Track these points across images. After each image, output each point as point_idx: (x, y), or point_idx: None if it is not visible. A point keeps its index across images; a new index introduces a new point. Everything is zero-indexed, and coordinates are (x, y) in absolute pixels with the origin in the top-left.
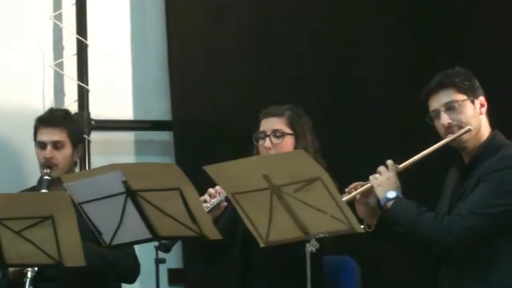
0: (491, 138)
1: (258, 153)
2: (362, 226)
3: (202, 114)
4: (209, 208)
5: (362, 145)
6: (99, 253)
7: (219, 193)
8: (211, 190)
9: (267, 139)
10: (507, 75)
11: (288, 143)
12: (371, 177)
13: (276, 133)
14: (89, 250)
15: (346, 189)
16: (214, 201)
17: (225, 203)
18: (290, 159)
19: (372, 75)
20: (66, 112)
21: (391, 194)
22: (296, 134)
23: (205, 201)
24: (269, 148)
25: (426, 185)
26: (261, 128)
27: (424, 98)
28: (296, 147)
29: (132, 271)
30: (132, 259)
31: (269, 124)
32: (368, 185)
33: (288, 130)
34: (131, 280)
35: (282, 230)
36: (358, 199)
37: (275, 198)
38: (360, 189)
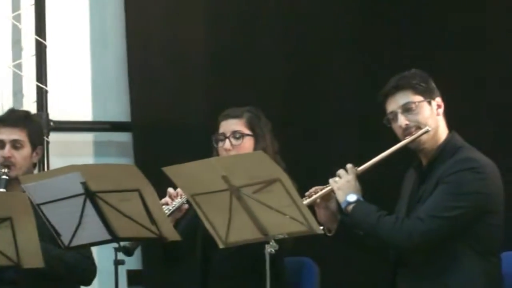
0: (448, 139)
1: (217, 155)
2: (321, 227)
3: (161, 115)
4: (170, 211)
5: (321, 147)
6: (56, 254)
7: (180, 195)
8: (170, 190)
9: (227, 140)
10: (464, 77)
11: (247, 144)
12: (331, 181)
13: (236, 135)
14: (47, 251)
15: (306, 193)
16: (175, 203)
17: (186, 206)
18: (249, 160)
19: (332, 77)
20: (27, 113)
21: (352, 198)
22: (256, 135)
23: (166, 204)
24: (229, 150)
25: (385, 186)
26: (221, 130)
27: (381, 100)
28: (255, 148)
29: (88, 274)
30: (89, 261)
31: (229, 125)
32: (328, 188)
33: (247, 131)
34: (88, 283)
35: (241, 231)
36: (318, 203)
37: (234, 199)
38: (320, 193)
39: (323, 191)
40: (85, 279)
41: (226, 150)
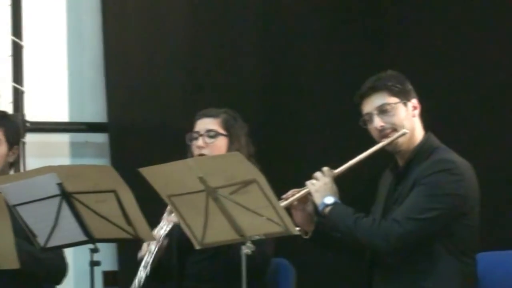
0: (425, 141)
1: (191, 154)
2: (297, 228)
3: (138, 116)
4: (153, 254)
5: (297, 150)
6: (28, 250)
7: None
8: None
9: (200, 138)
10: (440, 77)
11: (221, 143)
12: (308, 183)
13: (210, 133)
14: (19, 246)
15: (283, 196)
16: (152, 248)
17: (165, 243)
18: (226, 161)
19: (308, 79)
20: (3, 113)
21: (329, 200)
22: (230, 136)
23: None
24: (202, 147)
25: (362, 187)
26: (196, 128)
27: (357, 101)
28: (229, 149)
29: (59, 271)
30: (60, 259)
31: (204, 124)
32: (305, 190)
33: (222, 131)
34: (58, 281)
35: (218, 232)
36: (295, 206)
37: (210, 200)
38: (297, 195)
39: (300, 193)
40: (56, 276)
41: (199, 147)
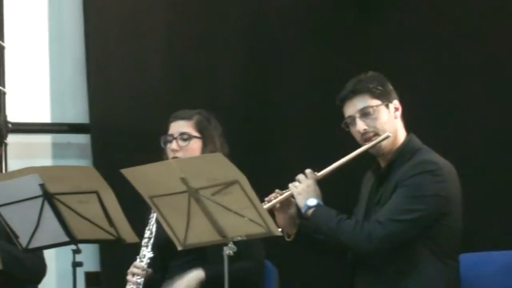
0: (407, 142)
1: (166, 157)
2: (279, 229)
3: (120, 117)
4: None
5: (279, 152)
6: (9, 250)
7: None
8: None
9: (174, 141)
10: (421, 78)
11: (195, 146)
12: (290, 185)
13: (183, 136)
14: (1, 247)
15: (266, 198)
16: (140, 284)
17: (150, 271)
18: (208, 162)
19: (289, 80)
20: None
21: (312, 202)
22: (204, 138)
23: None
24: (176, 151)
25: (345, 189)
26: (170, 131)
27: (339, 104)
28: (203, 151)
29: (38, 271)
30: (40, 259)
31: (177, 127)
32: (288, 193)
33: (195, 134)
34: (37, 280)
35: (200, 233)
36: (277, 208)
37: (193, 201)
38: (280, 198)
39: (283, 195)
40: (35, 276)
41: (173, 151)
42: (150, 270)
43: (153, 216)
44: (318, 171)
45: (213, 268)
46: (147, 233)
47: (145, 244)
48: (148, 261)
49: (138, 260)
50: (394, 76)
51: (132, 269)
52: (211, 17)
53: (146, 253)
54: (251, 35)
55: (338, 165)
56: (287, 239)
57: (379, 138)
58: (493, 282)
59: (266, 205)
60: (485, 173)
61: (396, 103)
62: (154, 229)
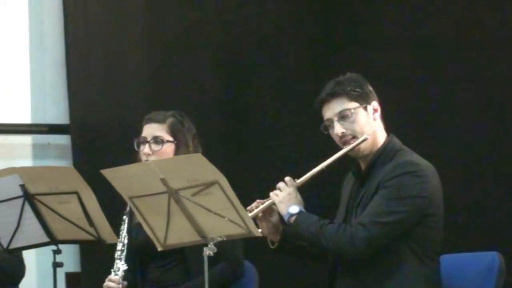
0: (387, 143)
1: (139, 160)
2: (260, 230)
3: (100, 117)
4: None
5: (257, 158)
6: None
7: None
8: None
9: (147, 145)
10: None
11: (168, 150)
12: (271, 194)
13: (157, 140)
14: None
15: (248, 207)
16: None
17: (125, 284)
18: (188, 163)
19: (271, 84)
20: None
21: (294, 210)
22: (177, 142)
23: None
24: (148, 155)
25: (327, 191)
26: (143, 134)
27: (317, 107)
28: (176, 154)
29: (17, 273)
30: (17, 260)
31: (150, 130)
32: (269, 202)
33: (168, 137)
34: (16, 282)
35: (180, 234)
36: (260, 217)
37: (172, 202)
38: (261, 207)
39: (264, 204)
40: (13, 278)
41: (146, 154)
42: (125, 282)
43: (124, 228)
44: (298, 176)
45: (191, 284)
46: (119, 246)
47: (118, 257)
48: (123, 273)
49: (112, 273)
50: (375, 77)
51: (107, 283)
52: (190, 18)
53: (120, 266)
54: (230, 36)
55: (318, 170)
56: (272, 247)
57: (357, 141)
58: (474, 283)
59: (248, 215)
60: (466, 174)
61: (375, 104)
62: (125, 241)
